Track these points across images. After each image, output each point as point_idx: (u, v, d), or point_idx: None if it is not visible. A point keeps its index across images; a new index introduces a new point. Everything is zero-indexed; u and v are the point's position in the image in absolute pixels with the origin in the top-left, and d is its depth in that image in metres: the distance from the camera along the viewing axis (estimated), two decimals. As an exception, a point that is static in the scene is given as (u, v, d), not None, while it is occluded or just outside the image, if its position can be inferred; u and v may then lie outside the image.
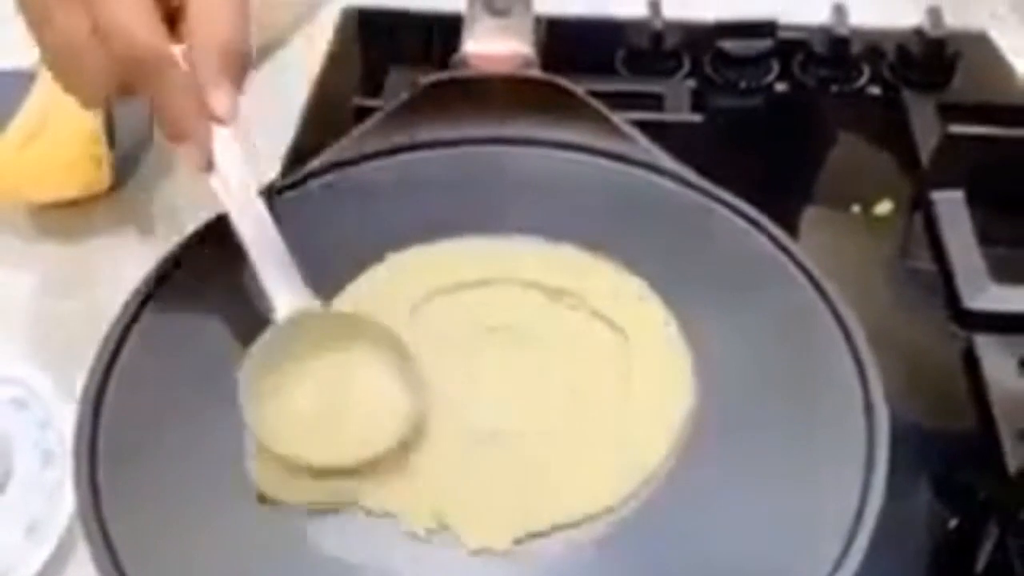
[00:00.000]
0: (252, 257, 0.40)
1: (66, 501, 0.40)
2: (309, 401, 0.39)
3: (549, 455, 0.38)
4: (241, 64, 0.40)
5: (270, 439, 0.37)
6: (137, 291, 0.42)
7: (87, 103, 0.41)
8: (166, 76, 0.38)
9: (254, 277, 0.40)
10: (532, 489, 0.37)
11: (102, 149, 0.53)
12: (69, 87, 0.40)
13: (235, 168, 0.41)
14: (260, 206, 0.41)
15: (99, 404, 0.38)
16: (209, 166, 0.40)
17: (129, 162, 0.56)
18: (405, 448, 0.37)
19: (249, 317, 0.41)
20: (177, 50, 0.39)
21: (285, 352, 0.39)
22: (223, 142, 0.40)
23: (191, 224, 0.44)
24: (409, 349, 0.39)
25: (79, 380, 0.39)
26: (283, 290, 0.40)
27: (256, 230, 0.40)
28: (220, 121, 0.40)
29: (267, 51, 0.62)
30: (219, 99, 0.39)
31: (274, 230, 0.40)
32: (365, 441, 0.37)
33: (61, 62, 0.39)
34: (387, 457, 0.37)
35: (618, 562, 0.35)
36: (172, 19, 0.40)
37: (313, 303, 0.40)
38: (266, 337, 0.39)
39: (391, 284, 0.43)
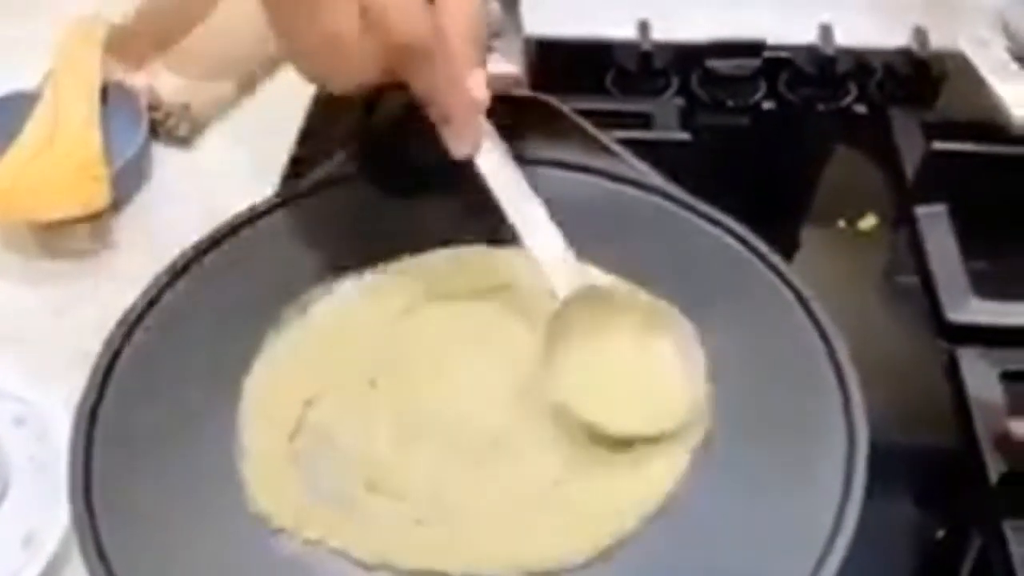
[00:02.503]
0: (521, 236, 0.41)
1: (62, 513, 0.40)
2: (604, 372, 0.40)
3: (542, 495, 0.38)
4: (485, 49, 0.41)
5: (576, 407, 0.38)
6: (133, 307, 0.42)
7: (346, 90, 0.41)
8: (435, 62, 0.39)
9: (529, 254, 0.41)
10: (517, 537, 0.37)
11: (103, 168, 0.54)
12: (332, 76, 0.40)
13: (499, 151, 0.42)
14: (527, 188, 0.42)
15: (94, 418, 0.39)
16: (475, 148, 0.41)
17: (129, 181, 0.56)
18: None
19: (243, 334, 0.42)
20: None
21: (572, 326, 0.39)
22: (486, 126, 0.42)
23: (187, 240, 0.45)
24: (687, 326, 0.40)
25: (77, 395, 0.40)
26: (558, 265, 0.40)
27: (527, 210, 0.41)
28: (480, 103, 0.41)
29: (271, 67, 0.63)
30: (478, 82, 0.41)
31: (545, 212, 0.41)
32: (662, 414, 0.38)
33: (328, 52, 0.39)
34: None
35: None
36: None
37: (594, 280, 0.41)
38: (555, 312, 0.39)
39: (378, 291, 0.44)
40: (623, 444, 0.38)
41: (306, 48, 0.40)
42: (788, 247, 0.45)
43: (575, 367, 0.39)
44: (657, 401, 0.39)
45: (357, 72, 0.40)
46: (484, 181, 0.42)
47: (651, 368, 0.40)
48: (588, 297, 0.40)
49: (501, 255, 0.45)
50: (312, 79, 0.42)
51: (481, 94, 0.41)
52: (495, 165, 0.42)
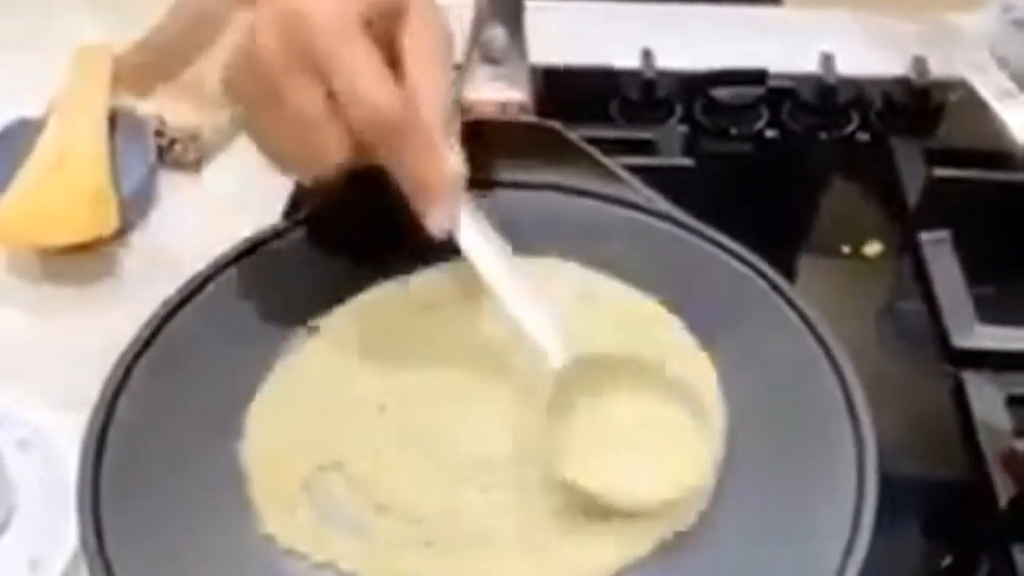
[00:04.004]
0: (510, 308, 0.39)
1: (69, 537, 0.40)
2: (606, 442, 0.38)
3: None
4: (455, 121, 0.40)
5: (579, 477, 0.36)
6: (140, 333, 0.42)
7: (321, 174, 0.39)
8: (411, 140, 0.38)
9: (512, 324, 0.39)
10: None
11: (110, 195, 0.54)
12: (303, 161, 0.39)
13: (478, 227, 0.40)
14: (509, 263, 0.40)
15: (102, 442, 0.39)
16: (454, 222, 0.40)
17: (136, 207, 0.57)
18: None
19: (250, 357, 0.42)
20: None
21: (570, 396, 0.38)
22: (464, 201, 0.40)
23: (195, 266, 0.45)
24: (706, 397, 0.38)
25: (85, 419, 0.39)
26: (552, 336, 0.39)
27: (511, 282, 0.40)
28: (457, 176, 0.39)
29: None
30: (454, 160, 0.39)
31: (528, 284, 0.40)
32: (669, 484, 0.36)
33: (295, 136, 0.38)
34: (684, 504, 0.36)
35: None
36: None
37: (588, 350, 0.39)
38: (551, 383, 0.38)
39: (382, 303, 0.44)
40: None
41: (276, 137, 0.39)
42: (792, 273, 0.45)
43: (578, 440, 0.38)
44: (668, 469, 0.37)
45: (329, 155, 0.38)
46: (465, 253, 0.40)
47: (660, 434, 0.38)
48: (586, 365, 0.38)
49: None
50: (286, 170, 0.40)
51: (461, 170, 0.40)
52: (476, 240, 0.40)
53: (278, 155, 0.39)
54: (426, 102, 0.39)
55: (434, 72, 0.40)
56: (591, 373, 0.38)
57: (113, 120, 0.59)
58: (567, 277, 0.45)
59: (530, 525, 0.37)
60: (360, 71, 0.37)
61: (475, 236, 0.40)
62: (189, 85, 0.62)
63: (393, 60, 0.39)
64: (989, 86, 0.55)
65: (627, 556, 0.36)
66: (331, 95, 0.37)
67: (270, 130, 0.39)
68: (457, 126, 0.40)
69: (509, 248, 0.41)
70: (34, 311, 0.53)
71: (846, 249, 0.55)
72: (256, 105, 0.38)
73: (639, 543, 0.36)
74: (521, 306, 0.39)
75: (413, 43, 0.40)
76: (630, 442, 0.38)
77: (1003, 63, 0.56)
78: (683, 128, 0.61)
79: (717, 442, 0.38)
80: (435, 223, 0.39)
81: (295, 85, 0.37)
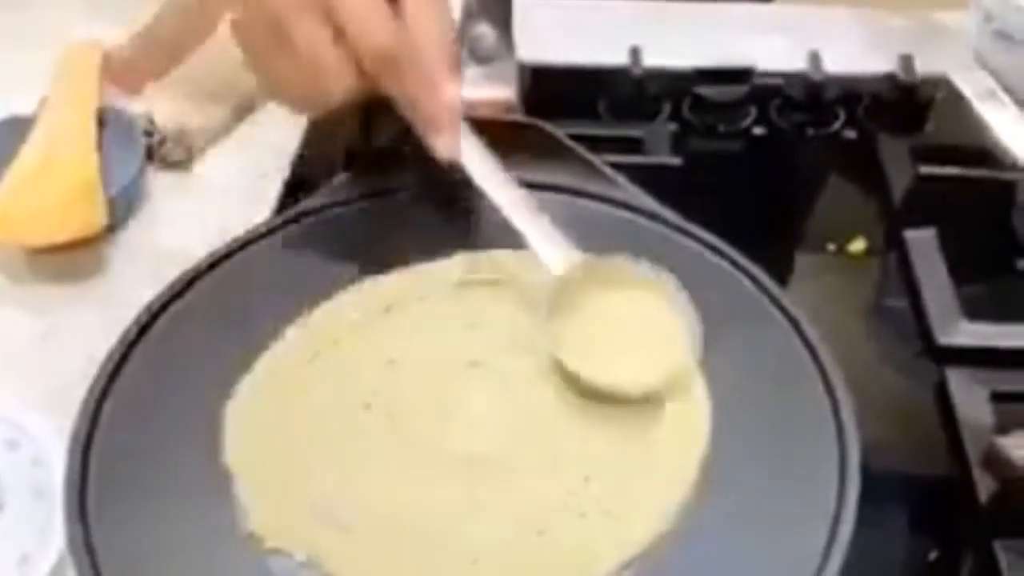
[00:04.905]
0: (515, 220, 0.43)
1: (56, 536, 0.40)
2: (598, 332, 0.42)
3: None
4: (457, 55, 0.43)
5: (571, 361, 0.40)
6: (127, 332, 0.43)
7: (329, 109, 0.42)
8: (414, 71, 0.41)
9: (522, 237, 0.43)
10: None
11: (99, 193, 0.54)
12: (313, 97, 0.42)
13: (477, 146, 0.44)
14: (507, 176, 0.44)
15: (89, 442, 0.39)
16: (457, 149, 0.43)
17: (125, 205, 0.57)
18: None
19: (238, 354, 0.42)
20: None
21: (564, 296, 0.42)
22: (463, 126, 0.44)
23: (183, 264, 0.46)
24: (675, 291, 0.42)
25: (71, 419, 0.40)
26: (552, 244, 0.43)
27: (511, 196, 0.44)
28: (457, 106, 0.43)
29: (261, 97, 0.63)
30: (453, 90, 0.42)
31: (526, 195, 0.44)
32: (648, 370, 0.40)
33: (306, 74, 0.41)
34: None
35: None
36: None
37: (580, 254, 0.43)
38: (549, 287, 0.42)
39: (369, 292, 0.45)
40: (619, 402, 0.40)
41: (284, 75, 0.41)
42: (778, 270, 0.45)
43: (572, 330, 0.41)
44: (647, 360, 0.41)
45: (337, 89, 0.41)
46: (470, 177, 0.44)
47: (644, 331, 0.42)
48: (584, 270, 0.42)
49: (501, 255, 0.46)
50: (295, 107, 0.43)
51: (459, 101, 0.43)
52: (477, 159, 0.44)
53: (288, 93, 0.43)
54: (425, 36, 0.42)
55: (431, 7, 0.43)
56: (587, 277, 0.42)
57: (102, 118, 0.58)
58: None
59: (520, 522, 0.37)
60: (361, 8, 0.40)
61: (479, 160, 0.44)
62: (179, 83, 0.62)
63: None
64: (972, 85, 0.55)
65: (618, 553, 0.36)
66: (336, 32, 0.40)
67: (279, 70, 0.42)
68: (458, 58, 0.43)
69: (511, 176, 0.44)
70: (21, 309, 0.53)
71: (832, 246, 0.55)
72: (265, 46, 0.41)
73: (631, 540, 0.37)
74: (525, 221, 0.43)
75: None
76: (618, 336, 0.42)
77: (988, 67, 0.56)
78: (671, 126, 0.61)
79: (696, 336, 0.41)
80: (440, 150, 0.43)
81: (302, 24, 0.40)
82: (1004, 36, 0.55)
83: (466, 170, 0.44)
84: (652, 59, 0.62)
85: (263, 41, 0.41)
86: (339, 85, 0.41)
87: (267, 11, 0.41)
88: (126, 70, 0.62)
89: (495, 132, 0.49)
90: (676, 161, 0.57)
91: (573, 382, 0.41)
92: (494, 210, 0.48)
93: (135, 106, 0.60)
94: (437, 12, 0.43)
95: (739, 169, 0.61)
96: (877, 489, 0.38)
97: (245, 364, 0.42)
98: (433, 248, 0.46)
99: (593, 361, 0.41)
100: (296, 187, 0.56)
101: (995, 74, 0.56)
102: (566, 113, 0.55)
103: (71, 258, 0.54)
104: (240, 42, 0.42)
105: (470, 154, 0.44)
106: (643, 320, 0.42)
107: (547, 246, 0.43)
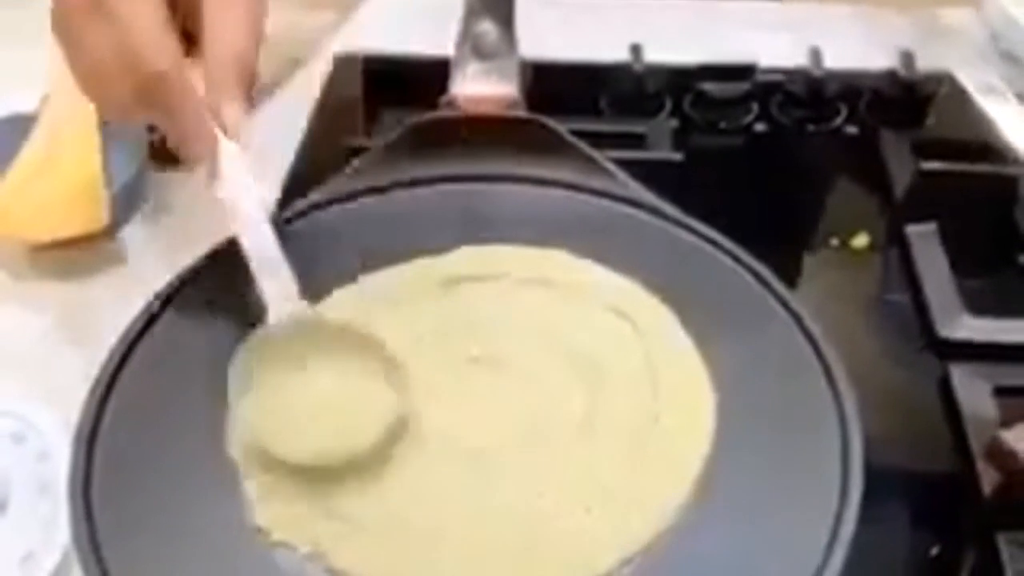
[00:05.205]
0: (252, 265, 0.41)
1: (61, 532, 0.41)
2: (297, 401, 0.40)
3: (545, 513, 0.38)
4: (251, 79, 0.41)
5: (261, 435, 0.38)
6: (130, 328, 0.43)
7: (117, 119, 0.43)
8: (177, 99, 0.39)
9: (253, 284, 0.41)
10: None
11: (101, 190, 0.54)
12: (98, 105, 0.41)
13: (240, 181, 0.42)
14: (263, 218, 0.42)
15: (94, 436, 0.39)
16: (215, 176, 0.41)
17: (127, 203, 0.57)
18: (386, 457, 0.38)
19: (242, 349, 0.42)
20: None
21: (276, 355, 0.40)
22: (231, 155, 0.41)
23: (186, 260, 0.46)
24: (396, 357, 0.41)
25: (75, 415, 0.40)
26: (277, 296, 0.41)
27: (257, 240, 0.42)
28: (230, 133, 0.41)
29: (265, 92, 0.63)
30: (232, 112, 0.41)
31: (275, 242, 0.42)
32: (348, 440, 0.38)
33: (91, 82, 0.40)
34: (369, 457, 0.38)
35: None
36: (189, 35, 0.41)
37: (305, 310, 0.41)
38: (258, 336, 0.40)
39: (372, 290, 0.45)
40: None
41: (77, 75, 0.40)
42: (780, 266, 0.45)
43: (273, 400, 0.40)
44: (350, 425, 0.39)
45: (118, 102, 0.40)
46: (224, 209, 0.42)
47: (350, 394, 0.40)
48: (298, 326, 0.41)
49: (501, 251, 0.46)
50: (98, 111, 0.43)
51: (235, 125, 0.41)
52: (234, 196, 0.42)
53: (85, 92, 0.41)
54: (213, 55, 0.40)
55: (230, 29, 0.41)
56: (304, 337, 0.41)
57: (104, 115, 0.58)
58: (559, 262, 0.46)
59: (523, 516, 0.37)
60: (136, 21, 0.38)
61: (235, 191, 0.42)
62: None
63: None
64: (974, 80, 0.55)
65: (620, 548, 0.36)
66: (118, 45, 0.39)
67: (75, 69, 0.40)
68: (252, 89, 0.41)
69: (266, 207, 0.43)
70: (25, 306, 0.53)
71: (834, 242, 0.55)
72: (65, 45, 0.40)
73: (632, 536, 0.37)
74: (259, 263, 0.41)
75: None
76: (322, 404, 0.40)
77: (1010, 57, 0.56)
78: (672, 122, 0.61)
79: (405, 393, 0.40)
80: (201, 173, 0.42)
81: (90, 32, 0.38)
82: (1010, 57, 0.55)
83: (219, 198, 0.42)
84: (653, 55, 0.62)
85: (66, 37, 0.40)
86: (119, 100, 0.40)
87: (62, 7, 0.40)
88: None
89: (497, 128, 0.49)
90: (677, 157, 0.57)
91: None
92: (496, 206, 0.48)
93: (137, 103, 0.60)
94: (240, 29, 0.41)
95: (740, 165, 0.61)
96: (880, 484, 0.38)
97: (249, 359, 0.42)
98: (434, 244, 0.46)
99: (285, 433, 0.39)
100: (297, 184, 0.56)
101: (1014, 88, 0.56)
102: (568, 109, 0.55)
103: (73, 255, 0.54)
104: (54, 31, 0.41)
105: (234, 189, 0.42)
106: (351, 383, 0.40)
107: (277, 296, 0.41)
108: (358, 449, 0.38)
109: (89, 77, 0.40)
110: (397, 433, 0.39)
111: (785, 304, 0.43)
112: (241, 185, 0.42)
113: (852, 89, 0.62)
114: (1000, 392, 0.46)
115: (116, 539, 0.36)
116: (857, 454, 0.38)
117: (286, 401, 0.40)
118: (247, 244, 0.41)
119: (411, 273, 0.46)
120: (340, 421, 0.39)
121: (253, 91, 0.41)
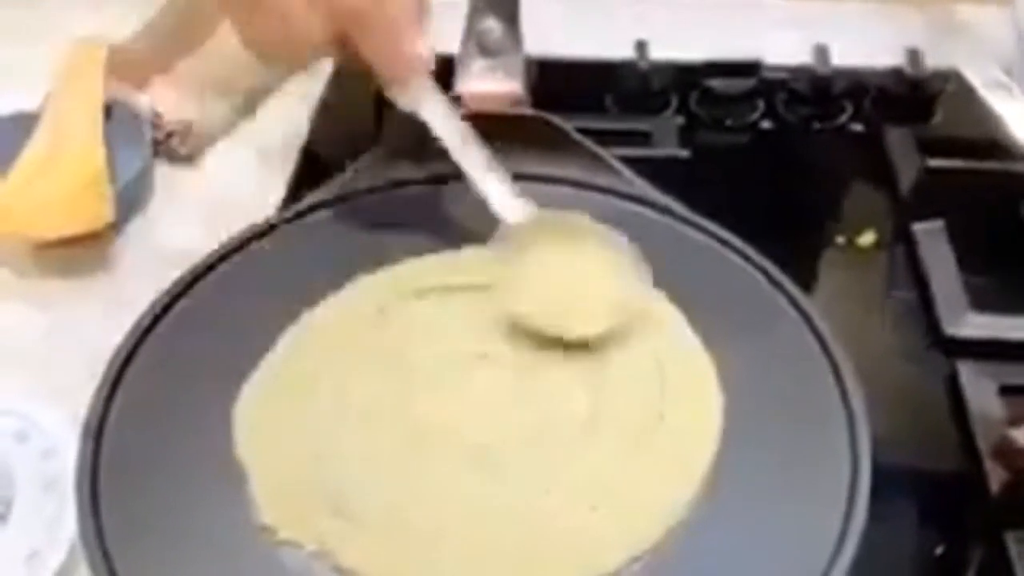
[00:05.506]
0: (472, 174, 0.45)
1: (66, 530, 0.41)
2: (549, 281, 0.43)
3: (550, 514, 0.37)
4: (426, 12, 0.44)
5: (521, 311, 0.42)
6: (136, 325, 0.42)
7: (300, 63, 0.45)
8: (380, 25, 0.42)
9: (480, 194, 0.45)
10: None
11: (106, 187, 0.54)
12: (285, 51, 0.44)
13: (440, 102, 0.45)
14: (471, 133, 0.45)
15: (100, 434, 0.39)
16: (416, 102, 0.45)
17: (131, 200, 0.57)
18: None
19: (247, 351, 0.42)
20: None
21: (519, 247, 0.43)
22: (429, 86, 0.45)
23: (190, 258, 0.45)
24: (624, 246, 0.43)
25: (82, 412, 0.40)
26: (507, 197, 0.44)
27: (472, 153, 0.45)
28: (420, 61, 0.44)
29: (273, 86, 0.63)
30: (418, 43, 0.43)
31: (488, 153, 0.45)
32: (595, 317, 0.42)
33: (278, 29, 0.42)
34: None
35: None
36: None
37: (535, 208, 0.44)
38: (502, 236, 0.44)
39: (371, 287, 0.45)
40: None
41: (259, 28, 0.42)
42: (786, 263, 0.45)
43: (523, 279, 0.43)
44: (596, 305, 0.42)
45: (307, 45, 0.43)
46: (432, 130, 0.45)
47: (593, 279, 0.43)
48: (538, 223, 0.44)
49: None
50: (267, 59, 0.45)
51: (428, 55, 0.44)
52: (440, 116, 0.45)
53: (263, 49, 0.44)
54: None
55: None
56: (541, 228, 0.44)
57: (108, 112, 0.58)
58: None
59: (530, 514, 0.37)
60: None
61: (440, 115, 0.45)
62: (185, 77, 0.62)
63: None
64: (981, 76, 0.55)
65: (628, 546, 0.36)
66: None
67: (256, 27, 0.43)
68: (428, 12, 0.44)
69: (473, 131, 0.46)
70: (30, 304, 0.53)
71: (841, 239, 0.55)
72: (242, 4, 0.42)
73: (641, 533, 0.37)
74: (482, 175, 0.45)
75: None
76: (568, 284, 0.43)
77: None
78: (678, 119, 0.61)
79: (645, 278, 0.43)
80: (401, 103, 0.45)
81: None
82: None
83: (427, 124, 0.45)
84: (659, 52, 0.62)
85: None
86: (310, 42, 0.43)
87: None
88: (131, 64, 0.62)
89: (502, 125, 0.49)
90: (684, 154, 0.58)
91: (530, 334, 0.42)
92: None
93: (141, 101, 0.60)
94: None
95: (747, 162, 0.61)
96: (887, 482, 0.38)
97: (254, 358, 0.42)
98: (436, 243, 0.46)
99: (542, 308, 0.42)
100: (303, 181, 0.56)
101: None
102: (573, 106, 0.55)
103: (77, 252, 0.54)
104: (219, 2, 0.44)
105: (432, 109, 0.45)
106: (592, 269, 0.43)
107: (502, 198, 0.44)
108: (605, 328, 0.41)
109: (279, 25, 0.42)
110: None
111: (793, 302, 0.43)
112: (444, 106, 0.45)
113: (859, 86, 0.62)
114: (1007, 390, 0.46)
115: (122, 535, 0.36)
116: (865, 452, 0.38)
117: (545, 277, 0.43)
118: (465, 163, 0.45)
119: (411, 272, 0.46)
120: (589, 303, 0.42)
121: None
